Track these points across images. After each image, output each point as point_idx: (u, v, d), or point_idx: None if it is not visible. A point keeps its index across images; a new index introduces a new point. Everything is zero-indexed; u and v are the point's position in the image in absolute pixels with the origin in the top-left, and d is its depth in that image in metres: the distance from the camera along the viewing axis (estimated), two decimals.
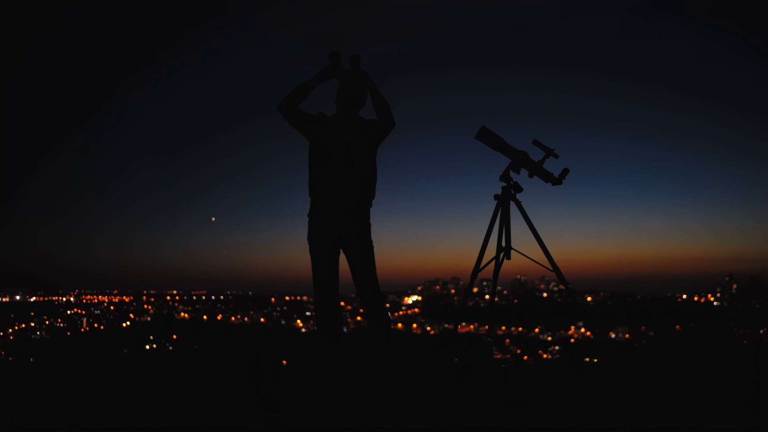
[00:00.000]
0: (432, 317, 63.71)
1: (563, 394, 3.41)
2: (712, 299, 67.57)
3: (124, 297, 71.68)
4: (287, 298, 70.75)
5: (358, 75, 3.49)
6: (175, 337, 49.33)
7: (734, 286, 67.49)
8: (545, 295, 71.41)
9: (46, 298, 68.71)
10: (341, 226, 3.40)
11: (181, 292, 73.71)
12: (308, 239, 3.48)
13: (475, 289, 62.32)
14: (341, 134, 3.42)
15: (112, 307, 67.39)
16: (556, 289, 69.65)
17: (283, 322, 62.33)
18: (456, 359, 4.07)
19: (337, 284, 3.52)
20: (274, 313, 65.63)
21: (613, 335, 52.12)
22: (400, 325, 63.06)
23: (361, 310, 3.70)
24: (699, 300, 68.17)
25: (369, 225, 3.52)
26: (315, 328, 3.59)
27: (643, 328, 53.61)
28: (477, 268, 4.20)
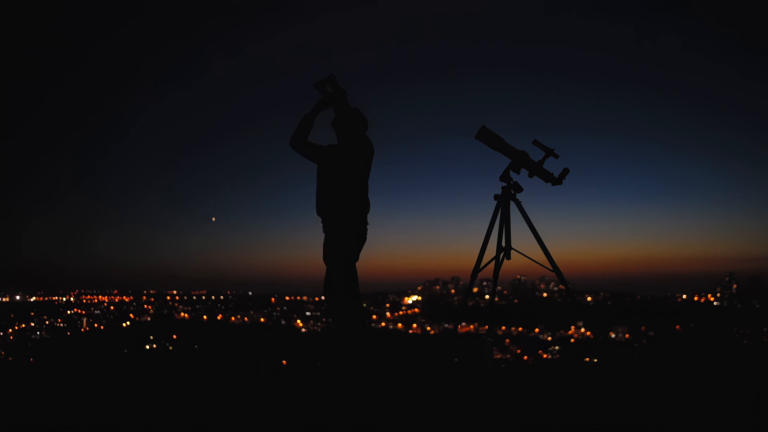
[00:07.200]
0: (432, 317, 63.71)
1: (563, 394, 3.41)
2: (712, 299, 67.57)
3: (124, 297, 71.68)
4: (287, 298, 70.83)
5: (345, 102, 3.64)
6: (175, 337, 49.36)
7: (734, 286, 67.50)
8: (545, 295, 71.43)
9: (46, 298, 68.71)
10: (359, 243, 3.62)
11: (181, 292, 73.80)
12: (326, 255, 3.62)
13: (475, 289, 62.31)
14: (352, 157, 3.60)
15: (112, 307, 67.42)
16: (556, 289, 69.69)
17: (283, 322, 62.36)
18: (456, 359, 4.07)
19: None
20: (274, 313, 65.64)
21: (613, 335, 52.15)
22: (400, 325, 63.03)
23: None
24: (699, 300, 68.18)
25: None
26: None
27: (643, 328, 53.64)
28: (477, 268, 4.19)
